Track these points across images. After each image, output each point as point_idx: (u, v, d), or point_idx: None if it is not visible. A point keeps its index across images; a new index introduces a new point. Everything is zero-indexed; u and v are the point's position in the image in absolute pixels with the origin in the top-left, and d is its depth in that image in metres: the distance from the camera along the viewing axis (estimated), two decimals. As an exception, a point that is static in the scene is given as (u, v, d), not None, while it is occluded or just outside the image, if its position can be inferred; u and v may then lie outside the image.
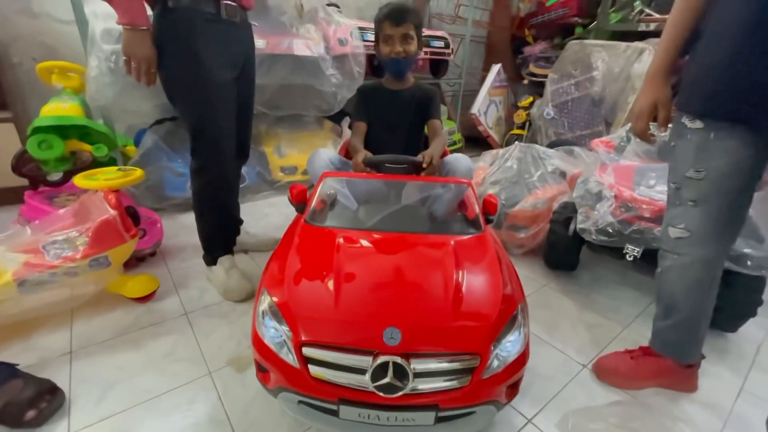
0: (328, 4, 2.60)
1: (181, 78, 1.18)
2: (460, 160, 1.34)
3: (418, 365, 0.72)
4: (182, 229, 1.84)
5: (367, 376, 0.71)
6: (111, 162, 1.84)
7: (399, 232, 0.99)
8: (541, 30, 3.60)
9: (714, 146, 0.87)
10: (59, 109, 1.62)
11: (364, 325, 0.75)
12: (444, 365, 0.73)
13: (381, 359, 0.71)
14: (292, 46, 2.04)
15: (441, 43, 2.78)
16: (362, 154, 1.27)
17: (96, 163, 1.75)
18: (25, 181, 1.71)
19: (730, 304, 1.16)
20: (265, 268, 0.93)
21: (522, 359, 0.80)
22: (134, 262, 1.55)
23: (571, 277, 1.64)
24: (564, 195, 1.71)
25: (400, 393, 0.71)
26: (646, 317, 1.38)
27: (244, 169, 1.80)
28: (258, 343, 0.80)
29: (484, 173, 1.97)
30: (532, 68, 3.60)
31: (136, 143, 2.10)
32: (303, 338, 0.74)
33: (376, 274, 0.86)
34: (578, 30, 3.27)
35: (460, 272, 0.84)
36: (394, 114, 1.47)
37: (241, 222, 1.69)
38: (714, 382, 1.12)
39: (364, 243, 0.95)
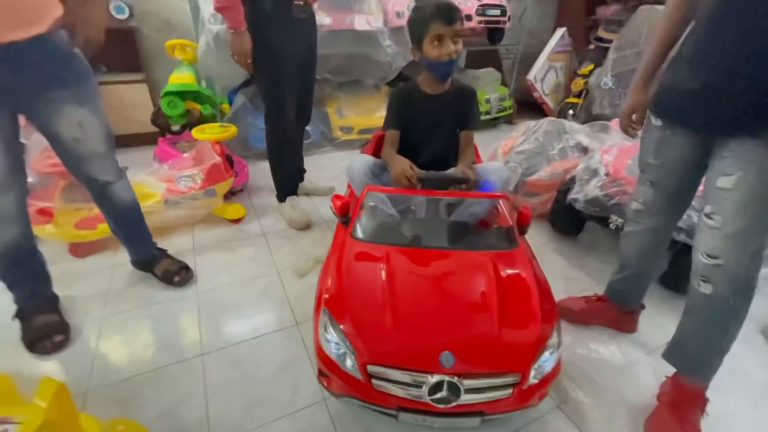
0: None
1: (261, 63, 1.60)
2: (498, 170, 1.33)
3: (468, 382, 0.82)
4: (261, 173, 2.37)
5: (425, 391, 0.82)
6: (213, 118, 2.40)
7: (440, 248, 1.06)
8: (617, -11, 3.41)
9: (669, 141, 1.06)
10: (180, 77, 2.17)
11: (423, 349, 0.84)
12: (491, 382, 0.84)
13: (437, 377, 0.81)
14: (353, 22, 2.37)
15: (497, 11, 2.87)
16: (406, 166, 1.22)
17: (203, 118, 2.32)
18: (154, 129, 2.35)
19: (682, 269, 1.38)
20: (321, 277, 1.04)
21: (555, 371, 0.89)
22: (229, 195, 2.11)
23: (572, 241, 1.90)
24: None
25: (453, 404, 0.82)
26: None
27: (309, 127, 2.26)
28: (321, 354, 0.89)
29: (512, 143, 2.20)
30: (601, 32, 3.46)
31: (229, 102, 2.65)
32: (367, 358, 0.84)
33: (427, 296, 0.93)
34: (654, -8, 3.08)
35: (503, 295, 0.92)
36: (431, 120, 1.38)
37: (304, 171, 2.17)
38: (656, 330, 1.39)
39: (411, 261, 1.01)
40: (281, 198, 1.97)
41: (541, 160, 2.03)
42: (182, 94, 2.21)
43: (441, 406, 0.82)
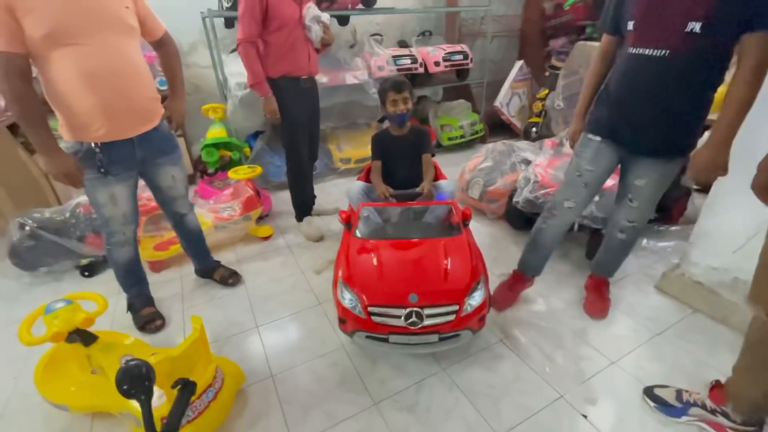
0: (372, 35, 3.51)
1: (283, 121, 2.22)
2: (447, 185, 1.98)
3: (427, 311, 1.34)
4: (280, 201, 2.97)
5: (402, 319, 1.33)
6: (240, 161, 3.03)
7: (411, 238, 1.58)
8: (559, 29, 4.08)
9: (603, 152, 1.45)
10: (215, 132, 2.81)
11: (398, 293, 1.36)
12: (441, 310, 1.35)
13: (408, 309, 1.33)
14: (344, 78, 3.02)
15: (460, 56, 3.53)
16: (384, 188, 1.87)
17: (232, 162, 2.94)
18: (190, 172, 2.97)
19: (594, 245, 1.93)
20: (335, 264, 1.58)
21: (482, 306, 1.41)
22: (259, 219, 2.71)
23: (524, 234, 2.43)
24: (524, 178, 2.49)
25: (419, 326, 1.33)
26: (551, 260, 2.18)
27: (316, 162, 2.86)
28: (340, 307, 1.41)
29: (476, 162, 2.79)
30: (554, 61, 4.11)
31: (249, 146, 3.28)
32: (368, 302, 1.37)
33: (401, 265, 1.46)
34: (589, 30, 3.74)
35: (448, 259, 1.45)
36: (400, 153, 2.00)
37: (315, 197, 2.76)
38: (577, 290, 1.92)
39: (392, 247, 1.53)
40: (299, 218, 2.56)
41: (497, 173, 2.61)
42: (216, 145, 2.84)
43: (412, 327, 1.34)
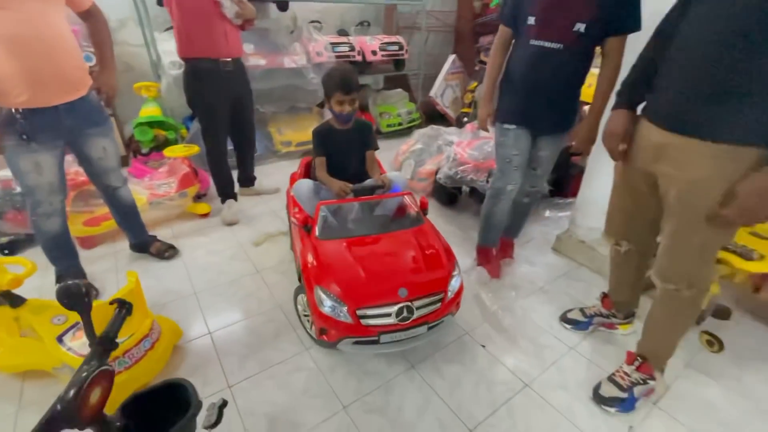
0: (312, 22, 3.61)
1: (198, 106, 2.26)
2: (399, 177, 1.86)
3: (417, 303, 1.32)
4: (220, 182, 3.01)
5: (393, 317, 1.29)
6: (176, 141, 3.01)
7: (379, 233, 1.54)
8: (487, 26, 4.45)
9: (521, 136, 1.69)
10: (149, 110, 2.77)
11: (387, 290, 1.32)
12: (429, 300, 1.35)
13: (399, 305, 1.30)
14: (283, 62, 3.10)
15: (396, 47, 3.74)
16: (342, 185, 1.67)
17: (167, 142, 2.92)
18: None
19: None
20: (303, 271, 1.46)
21: (460, 290, 1.45)
22: (196, 198, 2.73)
23: (450, 208, 2.73)
24: (449, 159, 2.76)
25: (410, 320, 1.31)
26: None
27: (258, 144, 2.91)
28: (322, 317, 1.32)
29: (408, 146, 3.03)
30: (482, 57, 4.48)
31: (186, 127, 3.25)
32: (355, 305, 1.28)
33: (380, 260, 1.41)
34: (511, 28, 4.12)
35: (424, 251, 1.46)
36: (346, 148, 1.83)
37: (255, 178, 2.81)
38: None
39: (363, 244, 1.48)
40: (222, 200, 2.56)
41: (427, 155, 2.87)
42: (150, 124, 2.81)
43: (403, 323, 1.31)
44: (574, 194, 2.77)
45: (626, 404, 1.34)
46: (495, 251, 2.08)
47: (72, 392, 0.69)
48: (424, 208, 1.68)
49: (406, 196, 1.71)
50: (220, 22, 2.09)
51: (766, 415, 1.36)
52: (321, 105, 3.73)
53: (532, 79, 1.60)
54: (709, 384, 1.46)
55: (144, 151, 2.93)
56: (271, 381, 1.44)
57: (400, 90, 4.25)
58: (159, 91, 2.88)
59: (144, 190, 2.34)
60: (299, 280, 1.67)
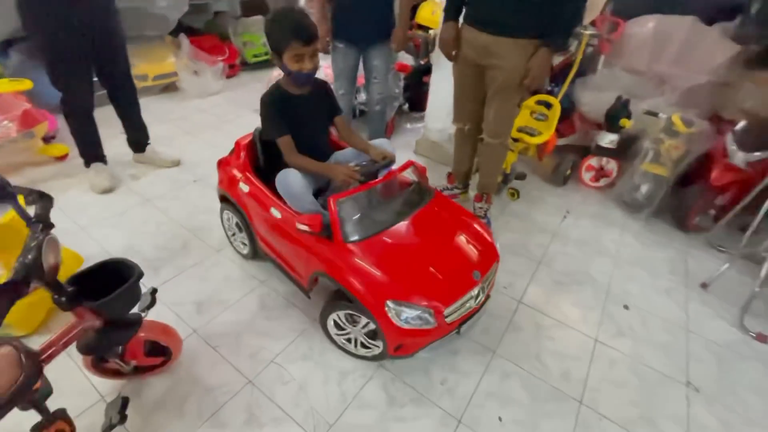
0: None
1: (36, 40, 1.85)
2: (386, 143, 1.54)
3: (483, 282, 1.26)
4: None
5: (474, 300, 1.23)
6: (-8, 76, 2.50)
7: (407, 218, 1.33)
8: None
9: (349, 54, 2.12)
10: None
11: (464, 279, 1.22)
12: (492, 270, 1.31)
13: (476, 288, 1.23)
14: (119, -22, 2.73)
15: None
16: (348, 170, 1.33)
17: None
18: None
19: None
20: (349, 287, 1.18)
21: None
22: (48, 140, 2.41)
23: (327, 129, 3.02)
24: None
25: (482, 297, 1.28)
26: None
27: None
28: (400, 332, 1.14)
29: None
30: None
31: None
32: (443, 308, 1.16)
33: (436, 248, 1.27)
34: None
35: (460, 223, 1.38)
36: (307, 118, 1.45)
37: (146, 140, 2.35)
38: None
39: (402, 234, 1.29)
40: (86, 164, 2.16)
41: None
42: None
43: (477, 303, 1.26)
44: (424, 107, 3.35)
45: (487, 222, 2.02)
46: None
47: (32, 253, 0.83)
48: (423, 174, 1.50)
49: (413, 166, 1.45)
50: None
51: (540, 227, 2.13)
52: (174, 33, 3.42)
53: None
54: (513, 216, 2.19)
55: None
56: (190, 280, 1.64)
57: (260, 17, 4.11)
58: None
59: (-26, 132, 2.01)
60: (221, 201, 1.69)
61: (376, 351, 1.29)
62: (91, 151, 2.17)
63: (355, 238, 1.24)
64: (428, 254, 1.25)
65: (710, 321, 1.64)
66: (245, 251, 1.71)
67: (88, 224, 1.88)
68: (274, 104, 1.39)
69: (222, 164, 1.66)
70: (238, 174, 1.55)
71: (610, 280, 1.80)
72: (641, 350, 1.49)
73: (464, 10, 1.71)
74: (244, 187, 1.52)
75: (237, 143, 1.61)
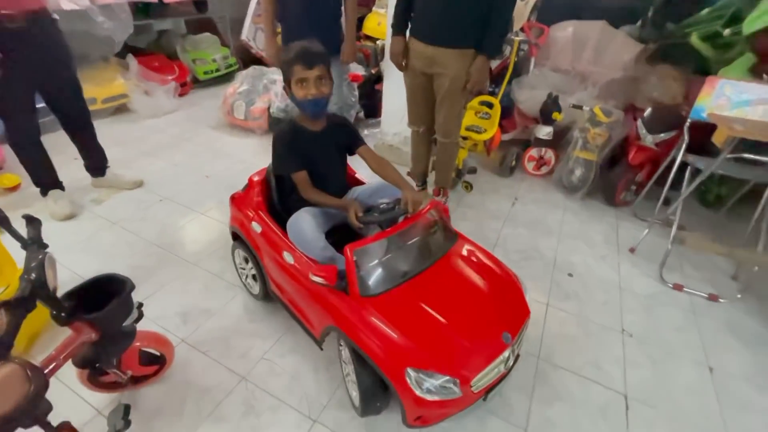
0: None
1: None
2: (389, 188, 1.44)
3: (514, 344, 1.11)
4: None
5: (503, 365, 1.09)
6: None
7: (428, 266, 1.20)
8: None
9: None
10: None
11: (492, 343, 1.08)
12: (523, 328, 1.17)
13: (506, 351, 1.08)
14: (59, 3, 2.69)
15: (193, -14, 3.60)
16: (355, 208, 1.26)
17: None
18: None
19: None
20: (365, 347, 1.06)
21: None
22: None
23: (287, 140, 3.12)
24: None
25: (512, 361, 1.14)
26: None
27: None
28: (422, 403, 1.01)
29: (235, 88, 3.17)
30: (286, -2, 4.66)
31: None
32: (470, 377, 1.02)
33: (462, 304, 1.13)
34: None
35: (487, 273, 1.23)
36: (325, 155, 1.42)
37: (105, 164, 2.33)
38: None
39: (424, 286, 1.16)
40: (43, 193, 2.12)
41: (255, 94, 3.10)
42: None
43: (505, 369, 1.13)
44: (378, 114, 3.54)
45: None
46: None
47: (35, 272, 0.90)
48: (447, 215, 1.39)
49: (435, 208, 1.33)
50: None
51: (493, 214, 2.35)
52: (122, 55, 3.37)
53: (301, 14, 2.01)
54: (468, 206, 2.41)
55: None
56: (171, 294, 1.69)
57: (208, 34, 4.12)
58: None
59: None
60: (233, 239, 1.64)
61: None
62: (46, 179, 2.12)
63: (374, 292, 1.14)
64: (453, 311, 1.12)
65: (638, 278, 1.93)
66: (255, 290, 1.63)
67: (55, 252, 1.84)
68: (285, 139, 1.37)
69: (234, 201, 1.59)
70: (250, 212, 1.49)
71: (556, 254, 2.06)
72: (585, 309, 1.74)
73: (410, 25, 1.90)
74: (257, 227, 1.45)
75: (250, 180, 1.56)
